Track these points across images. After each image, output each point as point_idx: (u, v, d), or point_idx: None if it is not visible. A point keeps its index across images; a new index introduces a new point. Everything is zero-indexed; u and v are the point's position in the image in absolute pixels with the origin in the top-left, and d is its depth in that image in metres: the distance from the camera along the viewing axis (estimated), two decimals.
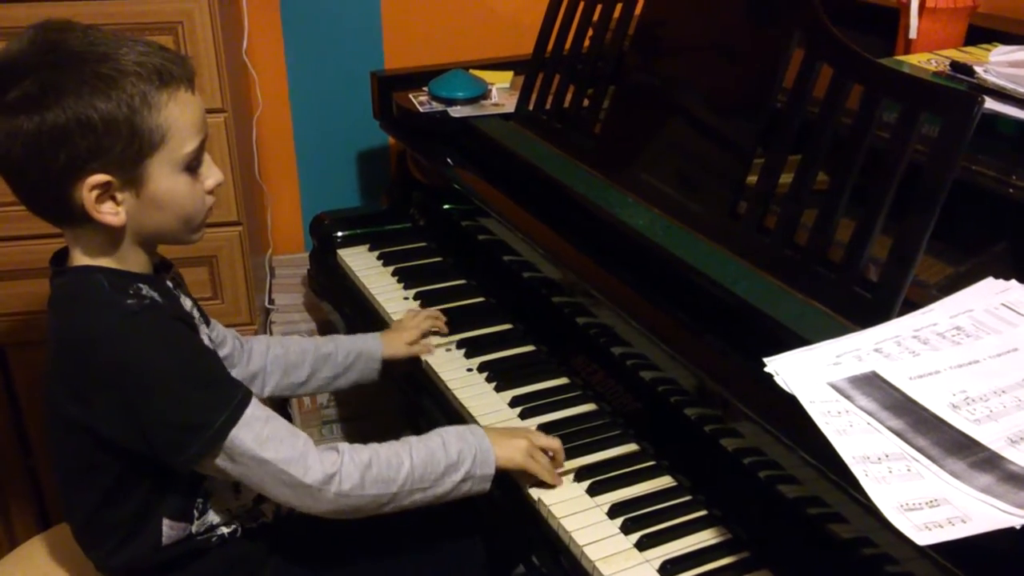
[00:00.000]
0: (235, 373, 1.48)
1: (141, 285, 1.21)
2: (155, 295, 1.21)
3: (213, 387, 1.19)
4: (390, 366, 1.65)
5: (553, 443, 1.34)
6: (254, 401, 1.20)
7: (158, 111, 1.14)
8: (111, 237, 1.20)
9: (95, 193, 1.14)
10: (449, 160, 1.84)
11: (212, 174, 1.25)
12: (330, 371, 1.60)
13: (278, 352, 1.58)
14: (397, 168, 2.14)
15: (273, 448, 1.19)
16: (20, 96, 1.10)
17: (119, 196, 1.16)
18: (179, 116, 1.17)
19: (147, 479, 1.25)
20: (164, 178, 1.18)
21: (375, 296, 1.84)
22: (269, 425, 1.20)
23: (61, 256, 1.26)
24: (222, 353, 1.47)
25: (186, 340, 1.22)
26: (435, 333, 1.69)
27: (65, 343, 1.21)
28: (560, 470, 1.34)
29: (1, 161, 1.14)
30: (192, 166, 1.21)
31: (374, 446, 1.26)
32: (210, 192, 1.25)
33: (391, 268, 1.92)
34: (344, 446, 1.24)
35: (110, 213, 1.16)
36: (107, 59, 1.12)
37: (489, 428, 1.36)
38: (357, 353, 1.62)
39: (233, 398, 1.18)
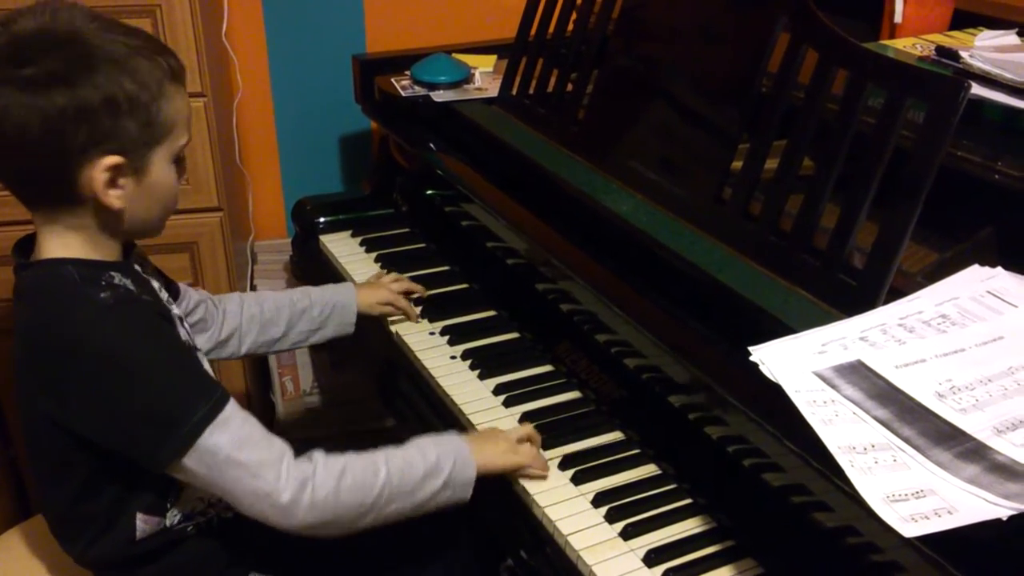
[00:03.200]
0: (210, 335, 1.51)
1: (112, 273, 1.19)
2: (127, 283, 1.20)
3: (190, 382, 1.17)
4: (362, 324, 1.65)
5: (527, 430, 1.33)
6: (232, 402, 1.18)
7: (169, 102, 1.17)
8: (97, 223, 1.19)
9: (107, 175, 1.14)
10: (432, 145, 1.83)
11: (184, 167, 1.27)
12: (307, 325, 1.60)
13: (254, 311, 1.57)
14: (379, 153, 2.13)
15: (249, 451, 1.16)
16: (43, 72, 1.09)
17: (121, 181, 1.16)
18: (182, 109, 1.20)
19: (121, 474, 1.23)
20: (162, 168, 1.19)
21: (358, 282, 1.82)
22: (246, 427, 1.17)
23: (26, 244, 1.24)
24: (194, 319, 1.47)
25: (163, 334, 1.20)
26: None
27: (37, 340, 1.18)
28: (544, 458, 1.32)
29: (12, 136, 1.11)
30: (179, 159, 1.23)
31: (349, 455, 1.23)
32: None
33: (374, 254, 1.91)
34: (318, 454, 1.21)
35: (115, 197, 1.16)
36: (125, 46, 1.13)
37: (467, 436, 1.33)
38: (332, 305, 1.62)
39: (211, 396, 1.16)
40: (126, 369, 1.13)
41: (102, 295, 1.15)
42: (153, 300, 1.25)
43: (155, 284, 1.32)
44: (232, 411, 1.17)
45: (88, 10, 1.15)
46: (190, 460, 1.15)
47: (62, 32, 1.11)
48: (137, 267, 1.29)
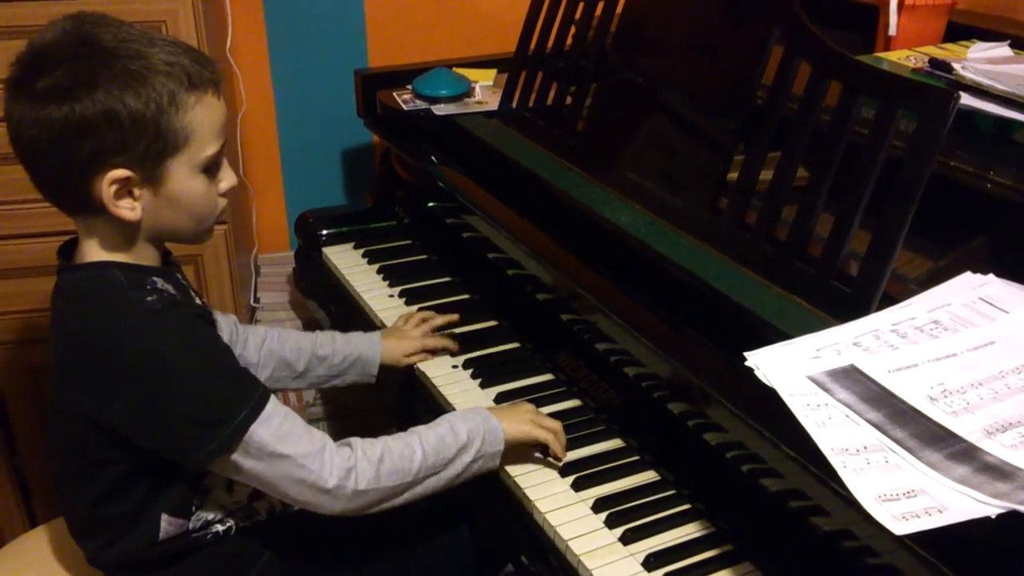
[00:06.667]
0: None
1: (155, 279, 1.21)
2: (169, 287, 1.22)
3: (234, 383, 1.20)
4: (385, 371, 1.64)
5: (555, 424, 1.37)
6: (273, 399, 1.21)
7: (184, 112, 1.16)
8: (125, 231, 1.21)
9: (114, 188, 1.15)
10: (433, 158, 1.85)
11: (227, 177, 1.26)
12: (325, 371, 1.61)
13: (273, 347, 1.58)
14: (381, 166, 2.15)
15: (292, 444, 1.19)
16: (51, 85, 1.10)
17: (136, 192, 1.17)
18: (204, 119, 1.18)
19: (150, 476, 1.25)
20: (183, 178, 1.19)
21: (360, 294, 1.84)
22: (288, 422, 1.20)
23: (69, 247, 1.26)
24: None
25: (207, 337, 1.22)
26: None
27: (83, 341, 1.20)
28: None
29: (25, 147, 1.15)
30: (210, 169, 1.22)
31: (384, 439, 1.27)
32: (223, 195, 1.26)
33: (376, 266, 1.93)
34: (356, 441, 1.25)
35: (127, 208, 1.17)
36: (139, 57, 1.13)
37: (492, 407, 1.39)
38: (355, 358, 1.61)
39: (253, 394, 1.19)
40: (173, 373, 1.16)
41: (148, 299, 1.17)
42: (191, 301, 1.27)
43: (191, 291, 1.33)
44: (273, 407, 1.20)
45: (114, 21, 1.16)
46: (237, 456, 1.18)
47: (76, 44, 1.12)
48: (179, 276, 1.31)
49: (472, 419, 1.32)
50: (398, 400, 1.66)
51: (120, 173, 1.14)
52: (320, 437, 1.22)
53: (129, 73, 1.12)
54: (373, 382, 1.65)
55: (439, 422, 1.31)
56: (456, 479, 1.30)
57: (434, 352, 1.64)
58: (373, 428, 2.23)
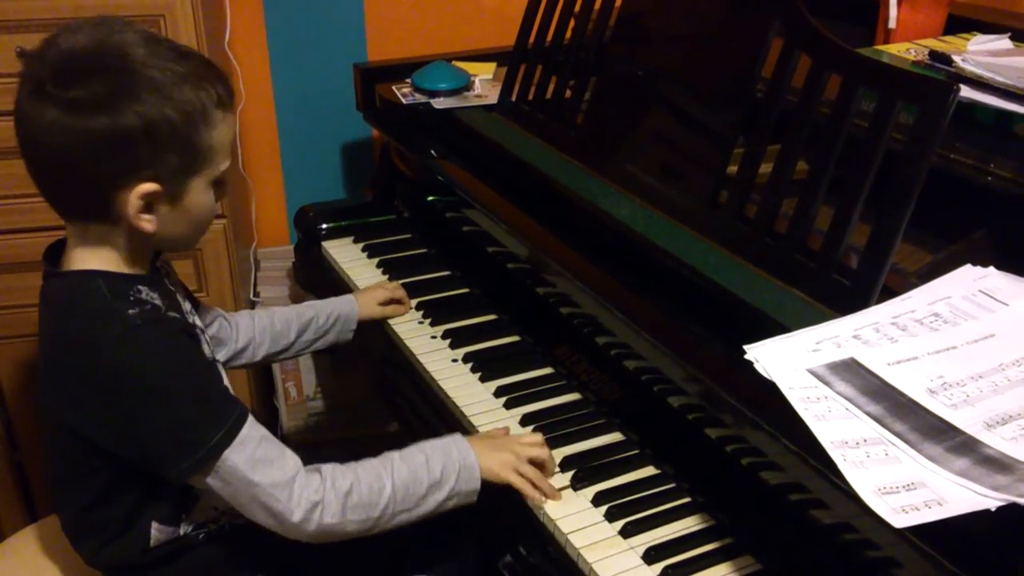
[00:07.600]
0: (227, 350, 1.53)
1: (140, 287, 1.20)
2: (155, 296, 1.20)
3: (211, 404, 1.18)
4: (366, 329, 1.70)
5: (542, 453, 1.31)
6: (250, 420, 1.19)
7: (212, 129, 1.16)
8: (128, 241, 1.19)
9: (141, 202, 1.14)
10: (432, 152, 1.85)
11: (224, 189, 1.26)
12: (312, 335, 1.64)
13: (265, 323, 1.60)
14: (381, 160, 2.15)
15: (263, 471, 1.18)
16: (88, 96, 1.08)
17: (156, 206, 1.16)
18: (225, 135, 1.19)
19: (139, 484, 1.25)
20: (199, 193, 1.19)
21: (360, 288, 1.84)
22: (262, 447, 1.19)
23: (56, 250, 1.24)
24: (211, 333, 1.47)
25: (187, 354, 1.21)
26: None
27: (63, 351, 1.19)
28: (550, 479, 1.31)
29: (52, 154, 1.12)
30: (220, 183, 1.22)
31: (355, 469, 1.24)
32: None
33: (376, 260, 1.93)
34: (328, 470, 1.22)
35: (147, 221, 1.16)
36: (174, 71, 1.12)
37: (475, 438, 1.34)
38: (336, 316, 1.66)
39: (229, 417, 1.17)
40: (149, 390, 1.15)
41: (130, 312, 1.16)
42: (179, 316, 1.25)
43: (179, 296, 1.32)
44: (249, 431, 1.18)
45: (143, 32, 1.15)
46: (208, 478, 1.17)
47: (111, 54, 1.11)
48: (165, 280, 1.30)
49: (449, 453, 1.28)
50: (396, 393, 1.66)
51: (150, 187, 1.13)
52: (292, 464, 1.21)
53: (166, 88, 1.11)
54: (351, 338, 1.70)
55: (414, 452, 1.28)
56: (430, 515, 1.27)
57: (402, 301, 1.74)
58: (374, 424, 2.25)
